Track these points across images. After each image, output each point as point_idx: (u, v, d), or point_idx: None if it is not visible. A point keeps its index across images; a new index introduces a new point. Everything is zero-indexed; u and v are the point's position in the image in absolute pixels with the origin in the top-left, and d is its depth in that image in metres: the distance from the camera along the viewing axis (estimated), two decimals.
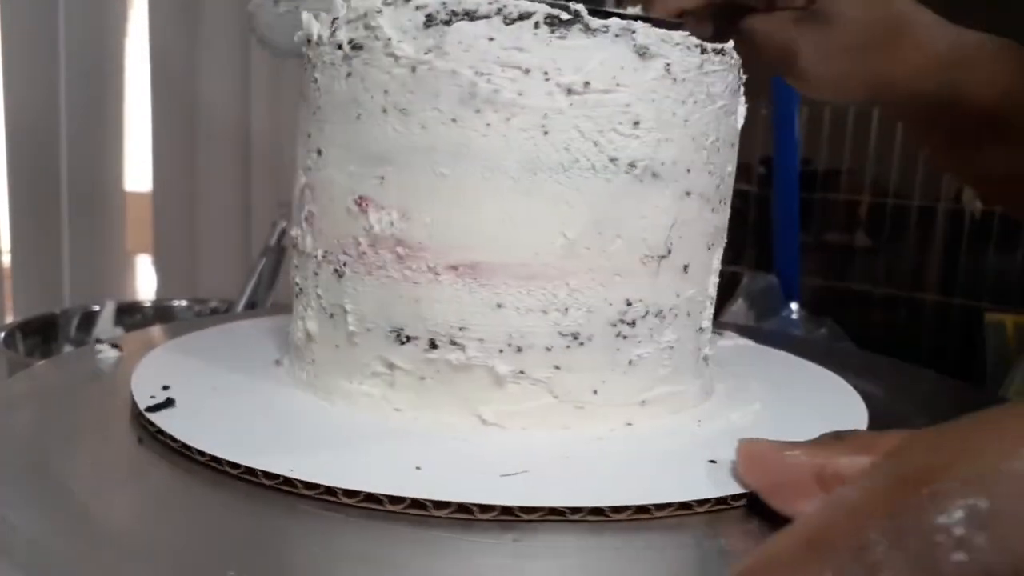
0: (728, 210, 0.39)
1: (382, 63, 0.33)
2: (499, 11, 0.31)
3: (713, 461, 0.30)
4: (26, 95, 0.99)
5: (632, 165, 0.33)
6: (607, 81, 0.32)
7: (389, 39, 0.33)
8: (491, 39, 0.31)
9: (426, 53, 0.32)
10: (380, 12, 0.33)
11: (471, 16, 0.31)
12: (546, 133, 0.32)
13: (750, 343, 0.51)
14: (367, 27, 0.33)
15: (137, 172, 1.14)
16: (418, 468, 0.29)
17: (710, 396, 0.40)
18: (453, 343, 0.34)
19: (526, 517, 0.27)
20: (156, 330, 0.54)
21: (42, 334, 0.87)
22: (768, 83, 1.04)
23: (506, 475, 0.29)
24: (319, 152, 0.36)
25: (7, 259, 1.02)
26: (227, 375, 0.39)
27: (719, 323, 0.50)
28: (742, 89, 0.38)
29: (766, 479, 0.26)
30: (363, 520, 0.27)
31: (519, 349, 0.33)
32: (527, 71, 0.31)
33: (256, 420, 0.34)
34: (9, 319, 1.00)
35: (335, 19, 0.35)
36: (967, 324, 1.19)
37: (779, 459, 0.26)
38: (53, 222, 1.03)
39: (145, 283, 1.21)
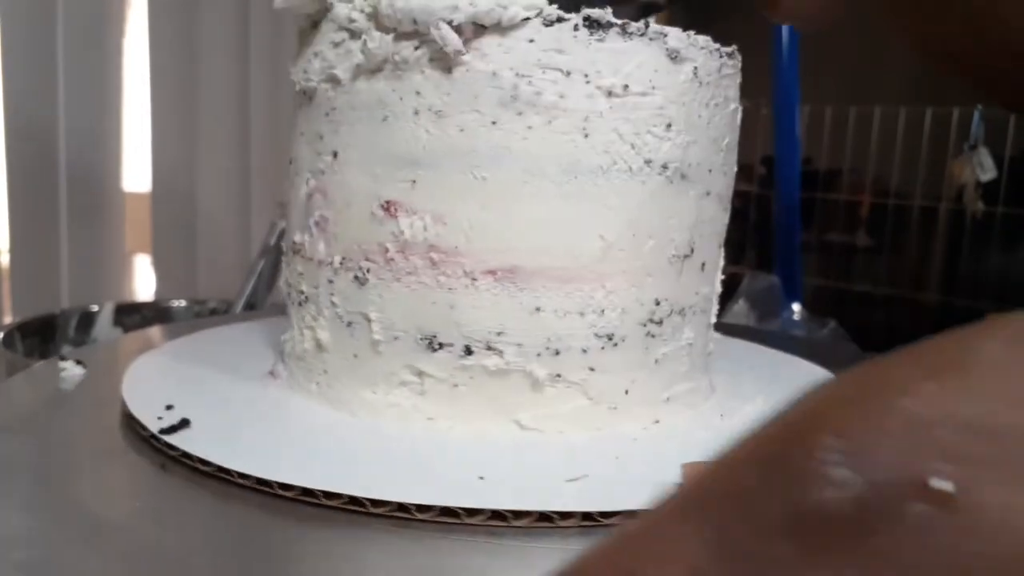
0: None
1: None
2: (538, 13, 0.31)
3: None
4: (25, 95, 0.99)
5: (664, 167, 0.33)
6: (644, 84, 0.32)
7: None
8: (531, 40, 0.31)
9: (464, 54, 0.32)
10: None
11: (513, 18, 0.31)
12: (586, 136, 0.32)
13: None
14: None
15: (136, 172, 1.14)
16: (481, 478, 0.29)
17: (715, 391, 0.40)
18: (490, 348, 0.33)
19: (606, 521, 0.26)
20: (154, 331, 0.54)
21: (41, 335, 0.86)
22: None
23: (571, 480, 0.29)
24: (335, 155, 0.35)
25: (6, 259, 1.02)
26: (228, 388, 0.37)
27: (718, 325, 0.50)
28: None
29: None
30: (433, 534, 0.26)
31: (556, 352, 0.33)
32: (568, 73, 0.31)
33: (279, 436, 0.33)
34: (8, 319, 0.99)
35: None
36: (968, 325, 1.19)
37: None
38: (52, 222, 1.02)
39: (144, 283, 1.20)
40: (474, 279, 0.33)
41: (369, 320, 0.34)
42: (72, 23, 1.01)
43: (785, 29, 1.03)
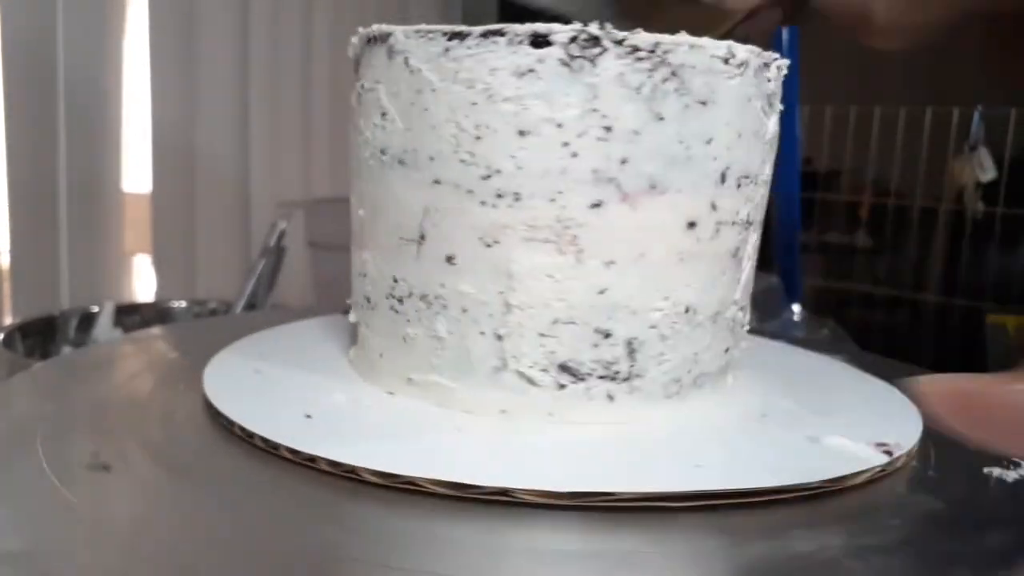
0: (566, 210, 0.33)
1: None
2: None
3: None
4: (24, 96, 0.99)
5: (383, 152, 0.38)
6: (371, 80, 0.38)
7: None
8: (357, 61, 0.39)
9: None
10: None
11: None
12: (353, 129, 0.40)
13: None
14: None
15: (136, 173, 1.14)
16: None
17: (507, 413, 0.36)
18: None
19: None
20: (155, 331, 0.54)
21: (41, 335, 0.86)
22: None
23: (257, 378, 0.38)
24: None
25: (6, 260, 1.02)
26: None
27: None
28: (584, 66, 0.31)
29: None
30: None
31: (359, 304, 0.40)
32: (363, 85, 0.39)
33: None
34: (8, 320, 1.00)
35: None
36: (968, 325, 1.19)
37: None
38: (52, 223, 1.03)
39: (144, 284, 1.20)
40: None
41: None
42: (71, 24, 1.01)
43: (785, 29, 1.02)
